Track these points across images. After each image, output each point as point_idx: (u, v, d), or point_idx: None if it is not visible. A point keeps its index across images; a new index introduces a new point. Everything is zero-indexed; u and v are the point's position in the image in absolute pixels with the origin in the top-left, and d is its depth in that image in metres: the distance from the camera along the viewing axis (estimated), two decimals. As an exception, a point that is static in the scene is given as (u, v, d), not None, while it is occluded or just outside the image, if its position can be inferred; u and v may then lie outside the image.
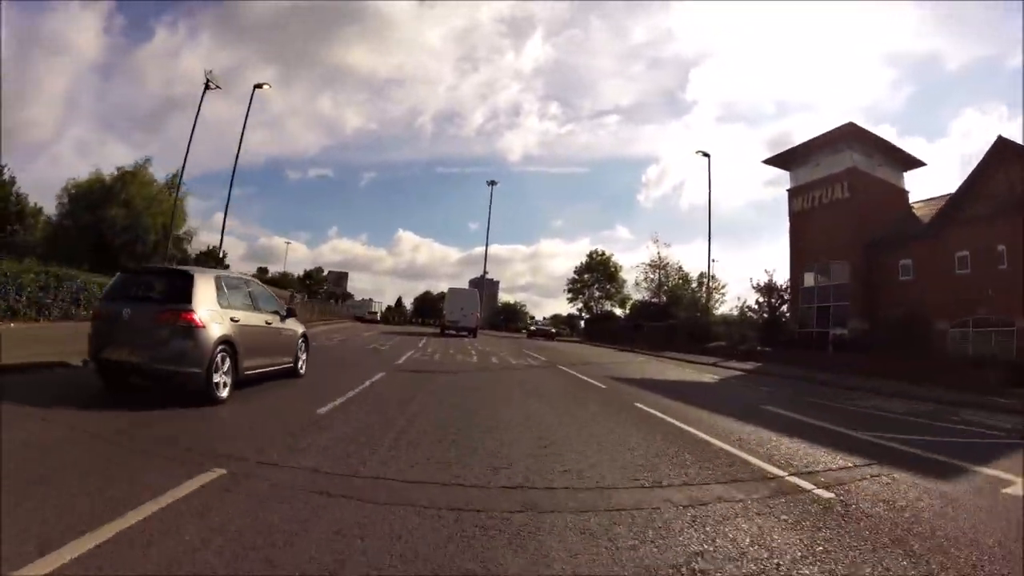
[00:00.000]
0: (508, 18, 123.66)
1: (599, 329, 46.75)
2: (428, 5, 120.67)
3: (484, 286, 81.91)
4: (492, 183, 69.33)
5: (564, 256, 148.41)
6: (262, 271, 56.61)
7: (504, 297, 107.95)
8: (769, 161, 36.25)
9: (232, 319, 6.79)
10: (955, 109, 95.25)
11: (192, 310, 6.21)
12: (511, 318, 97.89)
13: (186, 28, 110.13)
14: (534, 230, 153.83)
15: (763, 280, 34.60)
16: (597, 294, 52.81)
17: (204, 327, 6.24)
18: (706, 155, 34.80)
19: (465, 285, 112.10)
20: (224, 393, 6.44)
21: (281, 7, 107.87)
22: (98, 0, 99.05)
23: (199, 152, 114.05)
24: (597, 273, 52.82)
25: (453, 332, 32.24)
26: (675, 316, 41.83)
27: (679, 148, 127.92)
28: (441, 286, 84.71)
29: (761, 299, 34.39)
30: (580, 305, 53.76)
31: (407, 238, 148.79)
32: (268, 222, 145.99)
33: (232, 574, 2.48)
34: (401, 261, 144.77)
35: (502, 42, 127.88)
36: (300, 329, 9.13)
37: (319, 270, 48.97)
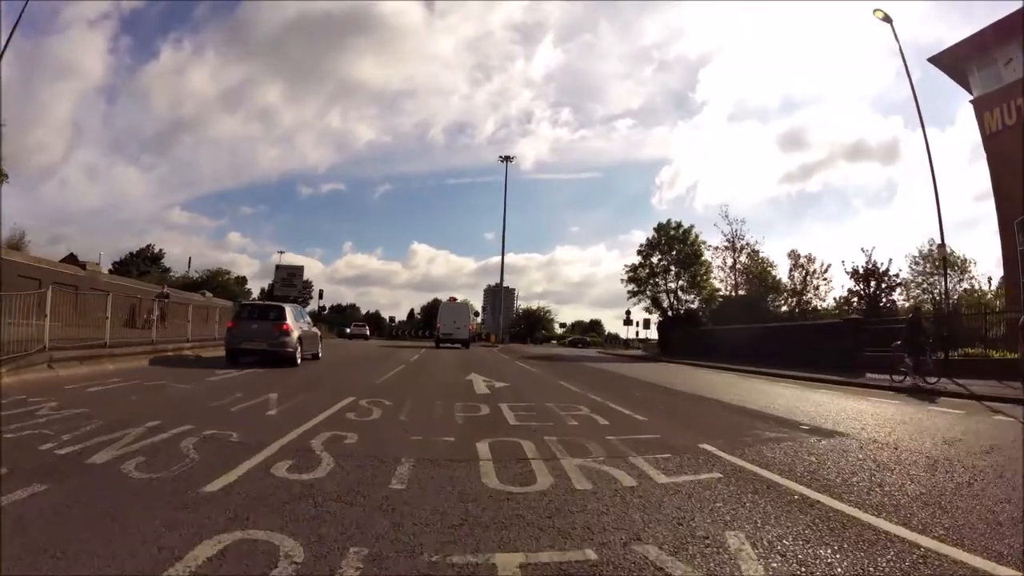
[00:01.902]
0: (519, 24, 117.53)
1: (682, 337, 33.24)
2: (439, 14, 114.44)
3: (502, 294, 71.87)
4: (506, 159, 57.70)
5: (580, 263, 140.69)
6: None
7: (523, 303, 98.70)
8: (936, 61, 23.32)
9: (298, 328, 14.61)
10: (961, 98, 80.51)
11: (288, 323, 13.97)
12: (533, 326, 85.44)
13: (192, 45, 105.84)
14: (549, 238, 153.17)
15: (858, 263, 27.67)
16: (674, 284, 36.81)
17: (292, 331, 13.94)
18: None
19: (481, 295, 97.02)
20: (299, 360, 14.08)
21: (288, 21, 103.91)
22: (104, 20, 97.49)
23: (209, 171, 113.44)
24: (674, 252, 36.47)
25: (448, 345, 32.34)
26: (764, 312, 32.04)
27: (691, 149, 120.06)
28: (457, 297, 76.08)
29: (856, 286, 28.18)
30: (646, 302, 37.69)
31: (422, 250, 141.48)
32: (282, 239, 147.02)
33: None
34: (416, 274, 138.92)
35: (513, 49, 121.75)
36: (319, 333, 18.86)
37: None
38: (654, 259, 36.97)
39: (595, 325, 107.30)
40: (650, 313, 36.98)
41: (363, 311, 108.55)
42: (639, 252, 38.37)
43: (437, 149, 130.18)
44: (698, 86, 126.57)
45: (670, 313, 35.36)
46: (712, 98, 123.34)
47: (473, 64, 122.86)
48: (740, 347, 27.38)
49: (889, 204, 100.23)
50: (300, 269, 34.06)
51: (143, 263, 43.34)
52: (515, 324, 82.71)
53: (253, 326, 13.59)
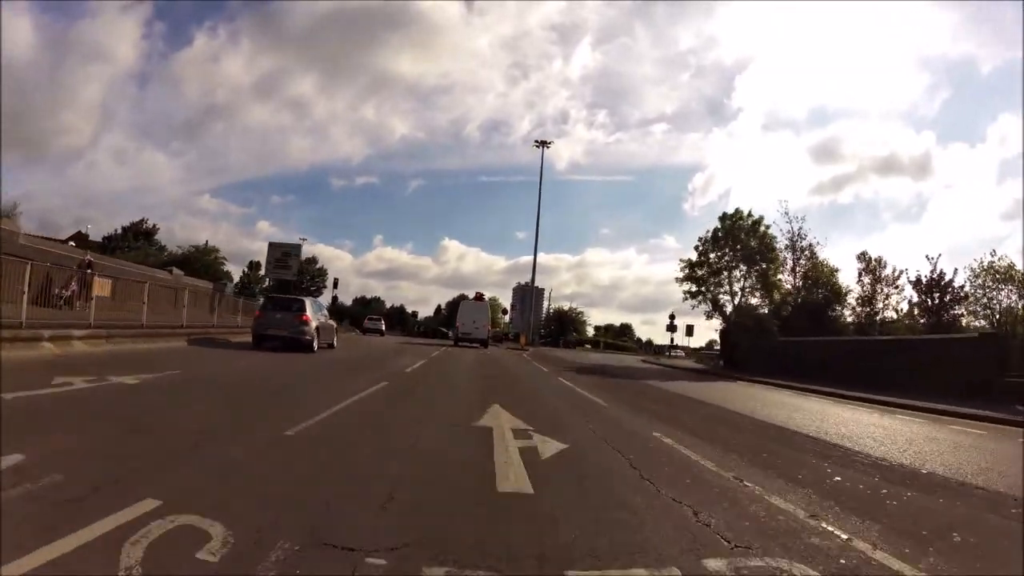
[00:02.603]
0: (558, 24, 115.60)
1: (749, 348, 27.64)
2: (477, 11, 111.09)
3: (533, 293, 67.46)
4: (542, 143, 52.98)
5: (610, 265, 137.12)
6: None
7: (551, 303, 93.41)
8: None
9: (316, 319, 16.25)
10: (991, 113, 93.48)
11: (307, 315, 15.64)
12: (564, 327, 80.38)
13: (226, 33, 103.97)
14: (580, 239, 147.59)
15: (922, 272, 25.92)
16: (740, 284, 31.07)
17: (310, 321, 15.57)
18: None
19: (509, 293, 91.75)
20: (316, 348, 15.75)
21: (323, 12, 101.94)
22: (138, 4, 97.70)
23: (238, 159, 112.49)
24: (739, 248, 30.56)
25: (466, 343, 31.70)
26: (830, 322, 28.48)
27: (725, 156, 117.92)
28: (486, 294, 74.79)
29: (918, 298, 26.82)
30: (706, 305, 31.75)
31: (453, 247, 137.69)
32: (311, 230, 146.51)
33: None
34: (447, 270, 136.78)
35: (551, 49, 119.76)
36: (335, 324, 21.06)
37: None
38: (713, 255, 31.49)
39: (625, 329, 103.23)
40: (709, 318, 31.66)
41: (388, 305, 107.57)
42: (697, 247, 32.85)
43: (471, 146, 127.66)
44: (734, 93, 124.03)
45: (734, 319, 29.81)
46: (748, 105, 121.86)
47: (511, 62, 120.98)
48: (831, 364, 22.01)
49: (918, 220, 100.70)
50: (296, 248, 29.78)
51: (133, 239, 40.80)
52: (545, 325, 77.82)
53: (277, 315, 15.60)
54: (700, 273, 31.34)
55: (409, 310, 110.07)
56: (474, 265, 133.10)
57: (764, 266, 29.99)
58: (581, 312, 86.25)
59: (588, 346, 68.91)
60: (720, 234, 31.39)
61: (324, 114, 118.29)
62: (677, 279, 32.18)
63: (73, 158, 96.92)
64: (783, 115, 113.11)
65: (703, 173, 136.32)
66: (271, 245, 30.60)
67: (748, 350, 27.84)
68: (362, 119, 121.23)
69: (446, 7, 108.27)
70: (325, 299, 59.08)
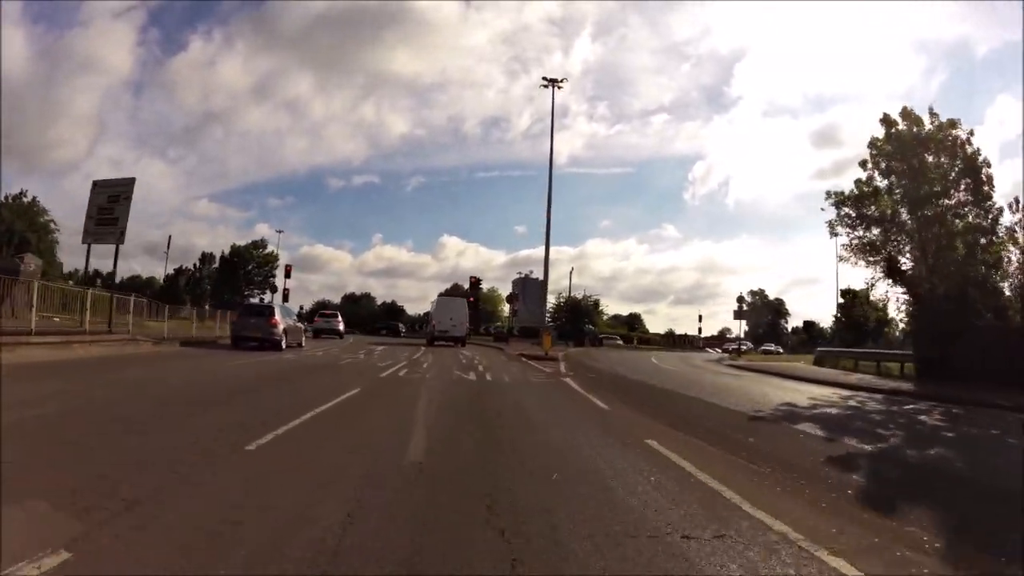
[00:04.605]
0: (557, 18, 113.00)
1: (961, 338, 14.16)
2: (475, 8, 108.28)
3: (536, 284, 56.39)
4: (551, 81, 39.34)
5: (610, 257, 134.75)
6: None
7: (551, 296, 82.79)
8: None
9: (285, 321, 18.38)
10: (989, 96, 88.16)
11: (276, 319, 17.63)
12: (578, 319, 66.53)
13: (221, 36, 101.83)
14: (580, 232, 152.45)
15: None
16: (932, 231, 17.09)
17: (279, 324, 17.46)
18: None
19: (509, 286, 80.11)
20: (284, 347, 17.49)
21: (317, 12, 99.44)
22: (130, 12, 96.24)
23: (236, 164, 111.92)
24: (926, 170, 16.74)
25: (442, 343, 28.52)
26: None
27: (725, 144, 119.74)
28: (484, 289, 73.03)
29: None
30: (880, 267, 17.79)
31: (452, 243, 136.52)
32: (311, 231, 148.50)
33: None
34: (446, 266, 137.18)
35: (551, 41, 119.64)
36: (303, 327, 22.58)
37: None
38: (881, 181, 17.69)
39: (635, 320, 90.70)
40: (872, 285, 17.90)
41: (379, 302, 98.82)
42: (864, 163, 18.76)
43: (471, 142, 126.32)
44: (733, 81, 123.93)
45: (931, 288, 16.06)
46: (747, 92, 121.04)
47: (511, 56, 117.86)
48: None
49: None
50: (128, 187, 16.90)
51: None
52: (556, 317, 64.09)
53: (251, 320, 17.90)
54: (872, 211, 17.49)
55: (409, 309, 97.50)
56: (474, 260, 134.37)
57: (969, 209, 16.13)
58: (597, 300, 72.52)
59: (620, 341, 55.48)
60: (893, 147, 17.44)
61: (322, 115, 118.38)
62: (834, 228, 18.35)
63: (69, 170, 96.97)
64: (782, 101, 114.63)
65: (704, 162, 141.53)
66: (95, 186, 16.94)
67: (953, 341, 14.58)
68: (360, 118, 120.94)
69: (443, 4, 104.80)
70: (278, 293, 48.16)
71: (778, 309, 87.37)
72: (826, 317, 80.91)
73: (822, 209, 19.54)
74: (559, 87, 45.41)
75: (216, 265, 60.16)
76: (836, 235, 19.72)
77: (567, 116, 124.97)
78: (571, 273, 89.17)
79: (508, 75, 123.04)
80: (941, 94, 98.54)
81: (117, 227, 16.31)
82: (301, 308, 47.56)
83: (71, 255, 71.81)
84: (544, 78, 43.84)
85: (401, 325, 56.12)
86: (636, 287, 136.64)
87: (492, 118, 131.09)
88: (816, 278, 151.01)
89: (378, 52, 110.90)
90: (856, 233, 18.58)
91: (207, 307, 26.80)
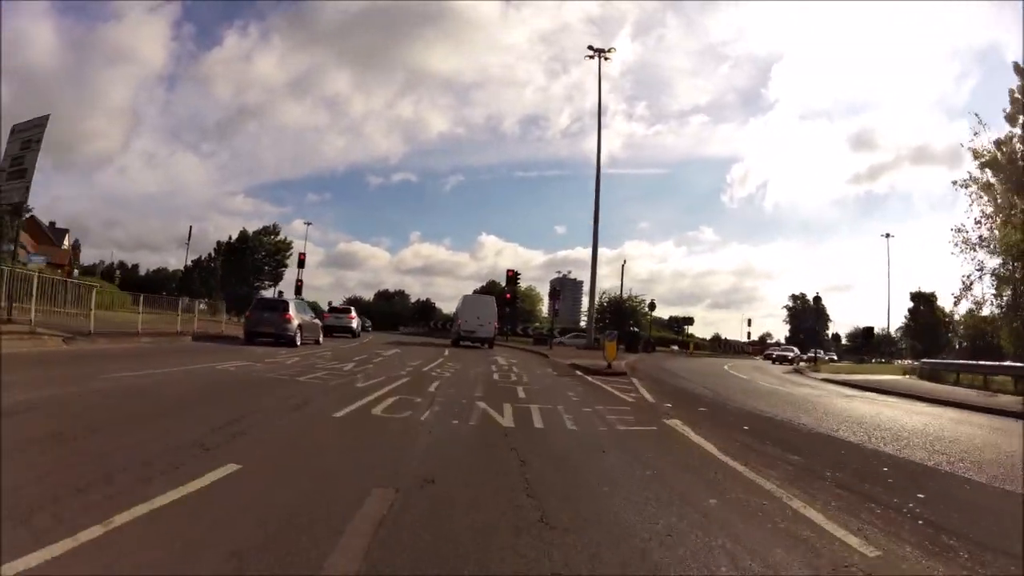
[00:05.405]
0: (597, 18, 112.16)
1: None
2: (514, 7, 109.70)
3: (574, 285, 51.38)
4: (598, 51, 35.18)
5: (648, 259, 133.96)
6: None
7: (584, 297, 79.91)
8: None
9: (300, 317, 17.48)
10: (1021, 100, 73.86)
11: (290, 314, 16.88)
12: (623, 320, 60.50)
13: (257, 31, 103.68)
14: (619, 233, 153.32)
15: None
16: None
17: (292, 320, 16.76)
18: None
19: (547, 286, 77.27)
20: (299, 343, 16.73)
21: (356, 9, 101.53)
22: (164, 6, 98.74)
23: (272, 159, 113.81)
24: None
25: (468, 343, 26.77)
26: None
27: (762, 147, 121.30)
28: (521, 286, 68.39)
29: None
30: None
31: (490, 242, 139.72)
32: (348, 228, 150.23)
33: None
34: (484, 266, 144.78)
35: (592, 41, 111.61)
36: (320, 323, 21.01)
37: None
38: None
39: (675, 323, 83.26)
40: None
41: (413, 299, 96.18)
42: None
43: (509, 141, 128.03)
44: (770, 83, 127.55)
45: None
46: (783, 96, 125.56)
47: (550, 56, 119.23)
48: None
49: (952, 208, 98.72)
50: (42, 125, 13.04)
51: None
52: (599, 319, 58.34)
53: (265, 315, 17.16)
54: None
55: (445, 308, 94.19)
56: (512, 260, 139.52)
57: None
58: (641, 301, 66.39)
59: (676, 347, 49.42)
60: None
61: (360, 112, 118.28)
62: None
63: (104, 163, 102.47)
64: (818, 105, 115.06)
65: (741, 164, 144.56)
66: (13, 131, 12.50)
67: None
68: (399, 116, 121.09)
69: (483, 3, 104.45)
70: (289, 280, 45.24)
71: (819, 314, 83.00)
72: (862, 323, 77.52)
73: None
74: (606, 58, 40.76)
75: (222, 253, 56.82)
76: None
77: (605, 115, 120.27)
78: (623, 267, 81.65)
79: (547, 74, 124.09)
80: (972, 99, 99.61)
81: (24, 181, 11.76)
82: (330, 304, 42.98)
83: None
84: (590, 47, 39.26)
85: (358, 321, 34.37)
86: (673, 290, 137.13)
87: (531, 116, 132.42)
88: (850, 284, 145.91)
89: (417, 49, 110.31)
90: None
91: (188, 299, 22.83)
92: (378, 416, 6.27)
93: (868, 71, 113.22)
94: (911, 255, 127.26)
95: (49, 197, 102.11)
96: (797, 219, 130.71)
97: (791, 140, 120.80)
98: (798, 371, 26.87)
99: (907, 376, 24.09)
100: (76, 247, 68.08)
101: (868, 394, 15.72)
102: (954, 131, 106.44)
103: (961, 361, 21.52)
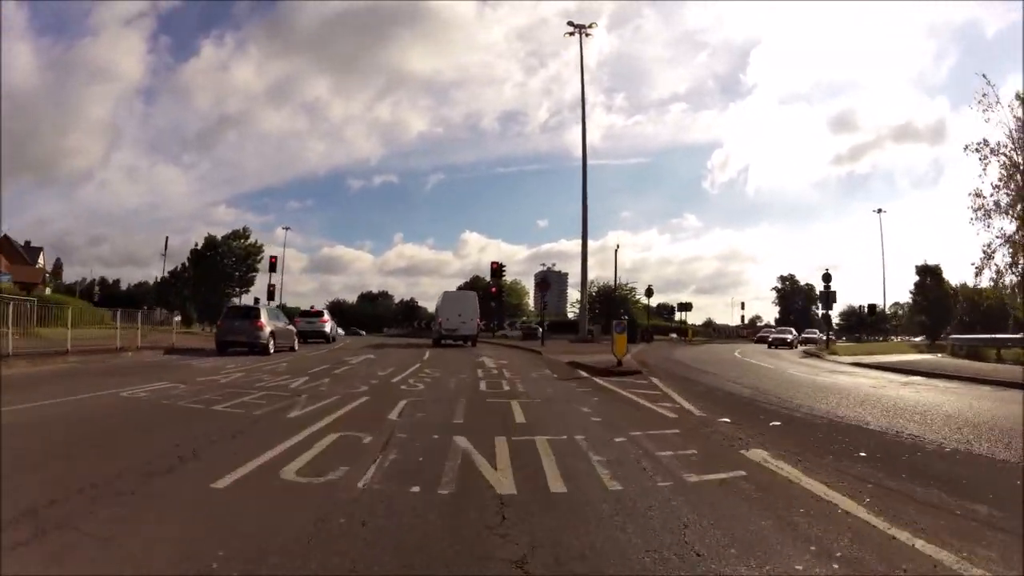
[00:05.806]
0: (573, 12, 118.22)
1: None
2: (491, 6, 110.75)
3: (559, 277, 50.02)
4: (579, 28, 33.84)
5: (631, 248, 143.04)
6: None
7: (572, 289, 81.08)
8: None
9: (272, 324, 16.95)
10: (1000, 76, 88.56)
11: (262, 321, 16.41)
12: (611, 310, 58.19)
13: (234, 41, 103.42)
14: (601, 224, 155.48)
15: None
16: None
17: (264, 327, 16.28)
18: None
19: (532, 280, 75.32)
20: (272, 351, 16.23)
21: (331, 14, 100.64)
22: (140, 19, 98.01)
23: (253, 168, 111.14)
24: None
25: (450, 342, 25.75)
26: None
27: (742, 132, 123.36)
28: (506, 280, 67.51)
29: None
30: None
31: (473, 239, 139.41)
32: (331, 233, 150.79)
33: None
34: (468, 263, 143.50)
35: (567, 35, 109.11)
36: (295, 329, 20.11)
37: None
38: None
39: (663, 311, 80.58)
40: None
41: (397, 300, 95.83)
42: None
43: (489, 138, 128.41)
44: (748, 68, 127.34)
45: None
46: (762, 80, 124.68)
47: (528, 51, 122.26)
48: None
49: (935, 185, 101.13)
50: None
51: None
52: (589, 310, 56.08)
53: (236, 323, 16.71)
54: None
55: (430, 307, 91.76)
56: (495, 256, 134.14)
57: None
58: (633, 289, 64.18)
59: (674, 335, 47.44)
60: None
61: (340, 116, 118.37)
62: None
63: (84, 179, 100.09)
64: (797, 88, 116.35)
65: (721, 150, 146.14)
66: None
67: None
68: (377, 118, 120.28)
69: (458, 3, 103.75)
70: (260, 286, 44.23)
71: (808, 295, 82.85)
72: (853, 302, 76.78)
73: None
74: (587, 34, 38.53)
75: (188, 262, 53.45)
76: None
77: (585, 107, 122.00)
78: (616, 253, 70.78)
79: (525, 70, 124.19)
80: (951, 77, 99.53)
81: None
82: (299, 309, 40.18)
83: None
84: (570, 22, 36.99)
85: (331, 324, 29.38)
86: (659, 277, 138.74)
87: (510, 112, 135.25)
88: (837, 264, 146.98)
89: (394, 51, 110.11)
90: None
91: (147, 308, 20.50)
92: (285, 484, 3.70)
93: (846, 53, 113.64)
94: (897, 232, 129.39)
95: (32, 217, 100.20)
96: (780, 202, 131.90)
97: (771, 124, 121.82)
98: (813, 354, 24.87)
99: (938, 355, 22.24)
100: (57, 266, 64.83)
101: (914, 378, 13.52)
102: (935, 108, 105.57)
103: (1002, 335, 19.58)
